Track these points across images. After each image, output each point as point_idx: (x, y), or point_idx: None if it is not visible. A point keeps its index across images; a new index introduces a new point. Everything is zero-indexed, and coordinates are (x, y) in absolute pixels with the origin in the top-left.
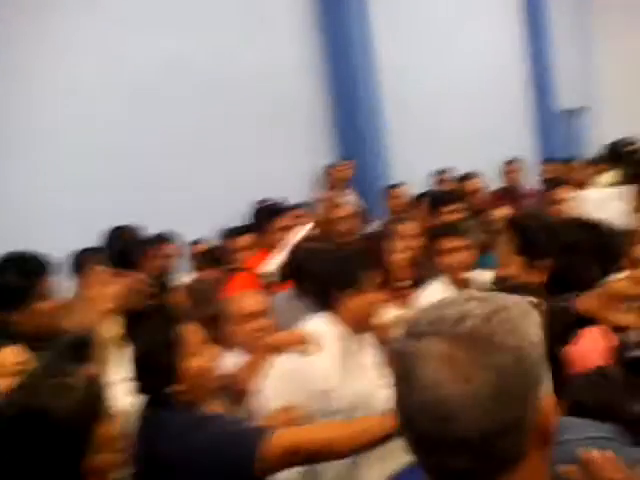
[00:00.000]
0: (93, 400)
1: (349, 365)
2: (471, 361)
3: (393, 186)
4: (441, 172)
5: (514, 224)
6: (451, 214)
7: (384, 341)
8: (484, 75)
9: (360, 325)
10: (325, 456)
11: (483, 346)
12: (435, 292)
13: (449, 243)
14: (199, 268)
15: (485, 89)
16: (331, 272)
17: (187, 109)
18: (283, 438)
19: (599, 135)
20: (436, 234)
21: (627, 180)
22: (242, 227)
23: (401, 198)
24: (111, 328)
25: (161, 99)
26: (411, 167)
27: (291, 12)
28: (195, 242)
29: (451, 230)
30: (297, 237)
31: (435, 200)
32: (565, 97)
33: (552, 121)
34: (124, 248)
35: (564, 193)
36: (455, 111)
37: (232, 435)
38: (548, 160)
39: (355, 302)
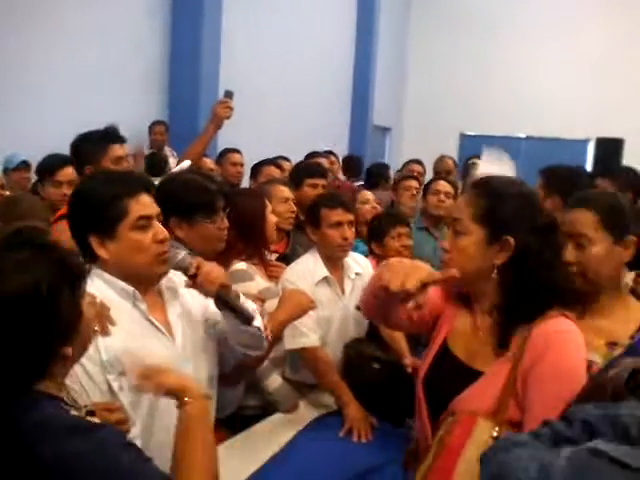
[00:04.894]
0: None
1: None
2: None
3: (231, 150)
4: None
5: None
6: (314, 188)
7: None
8: (315, 74)
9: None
10: None
11: None
12: (305, 267)
13: (335, 216)
14: None
15: (314, 88)
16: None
17: None
18: None
19: (397, 154)
20: (320, 204)
21: None
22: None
23: (238, 166)
24: None
25: None
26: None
27: None
28: None
29: (338, 202)
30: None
31: (299, 171)
32: (378, 114)
33: (365, 133)
34: None
35: (442, 186)
36: (283, 105)
37: None
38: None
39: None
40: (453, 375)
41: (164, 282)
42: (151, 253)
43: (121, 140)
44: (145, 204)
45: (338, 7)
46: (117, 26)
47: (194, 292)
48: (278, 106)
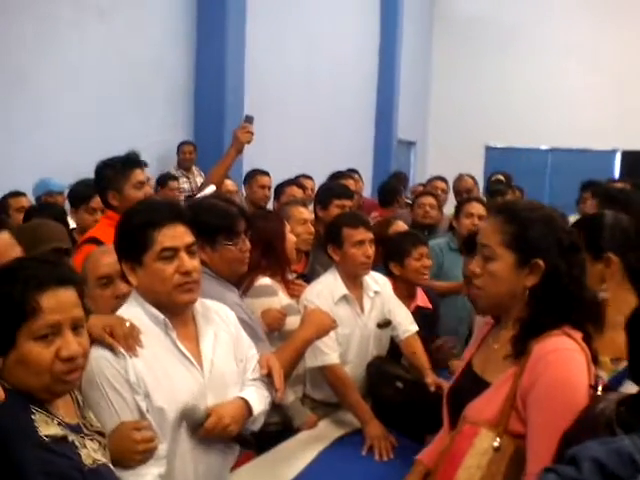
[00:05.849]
0: None
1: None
2: None
3: (259, 172)
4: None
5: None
6: (341, 209)
7: (272, 329)
8: (338, 89)
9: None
10: None
11: None
12: (325, 286)
13: (358, 234)
14: None
15: (337, 103)
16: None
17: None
18: None
19: (422, 169)
20: (342, 224)
21: None
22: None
23: (266, 189)
24: None
25: None
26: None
27: None
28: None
29: (360, 221)
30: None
31: (327, 191)
32: (402, 129)
33: (390, 147)
34: None
35: (475, 208)
36: (307, 121)
37: None
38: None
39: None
40: (470, 388)
41: (200, 310)
42: (172, 283)
43: (142, 165)
44: (173, 235)
45: (361, 22)
46: (142, 47)
47: (228, 322)
48: (302, 122)
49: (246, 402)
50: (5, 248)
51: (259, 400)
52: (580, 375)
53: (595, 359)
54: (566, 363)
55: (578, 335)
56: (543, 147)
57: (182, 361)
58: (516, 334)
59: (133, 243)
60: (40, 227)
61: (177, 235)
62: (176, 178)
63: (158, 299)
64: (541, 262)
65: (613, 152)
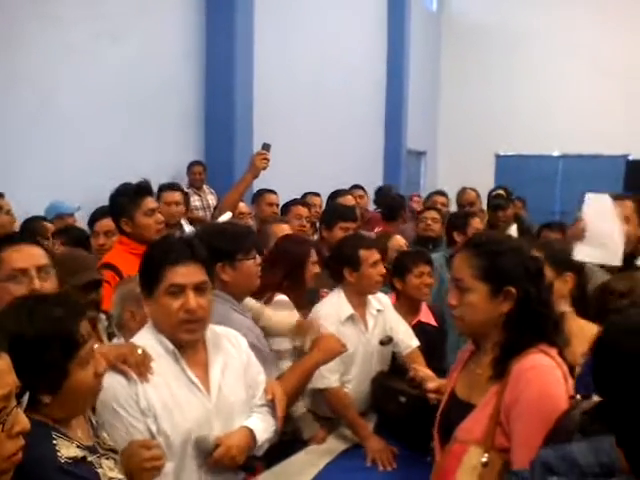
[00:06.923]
0: None
1: (177, 388)
2: None
3: (267, 191)
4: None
5: (479, 246)
6: (345, 231)
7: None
8: (347, 101)
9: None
10: None
11: None
12: (331, 307)
13: (374, 256)
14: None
15: (346, 115)
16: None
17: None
18: None
19: (432, 178)
20: (357, 246)
21: None
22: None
23: (274, 207)
24: None
25: None
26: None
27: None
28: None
29: (373, 243)
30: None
31: (333, 213)
32: (412, 139)
33: (399, 158)
34: None
35: (477, 224)
36: (317, 137)
37: None
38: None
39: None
40: (456, 413)
41: (210, 337)
42: (176, 319)
43: (153, 193)
44: (182, 273)
45: (368, 32)
46: (153, 69)
47: (239, 348)
48: (311, 134)
49: (252, 432)
50: None
51: (264, 429)
52: (558, 389)
53: (572, 372)
54: (544, 378)
55: (554, 351)
56: (554, 154)
57: (190, 387)
58: (496, 357)
59: (148, 277)
60: (78, 258)
61: (187, 273)
62: (173, 188)
63: (165, 331)
64: (513, 289)
65: (624, 157)
